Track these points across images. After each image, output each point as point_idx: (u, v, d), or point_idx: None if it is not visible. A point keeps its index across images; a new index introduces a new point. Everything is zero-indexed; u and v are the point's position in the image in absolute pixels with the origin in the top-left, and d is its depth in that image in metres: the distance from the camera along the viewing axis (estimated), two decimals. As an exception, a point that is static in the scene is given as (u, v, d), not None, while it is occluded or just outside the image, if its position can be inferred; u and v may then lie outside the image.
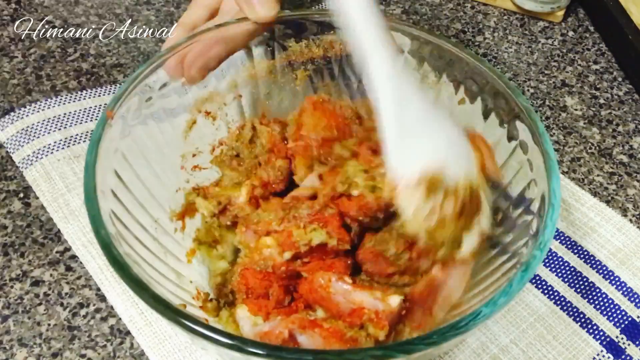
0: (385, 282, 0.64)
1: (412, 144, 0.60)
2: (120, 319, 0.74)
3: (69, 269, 0.78)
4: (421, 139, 0.60)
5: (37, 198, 0.84)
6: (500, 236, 0.66)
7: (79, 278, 0.77)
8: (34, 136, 0.89)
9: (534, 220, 0.61)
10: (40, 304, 0.75)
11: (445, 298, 0.62)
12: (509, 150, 0.68)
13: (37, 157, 0.87)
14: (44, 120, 0.91)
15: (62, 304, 0.75)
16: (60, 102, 0.94)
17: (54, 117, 0.92)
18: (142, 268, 0.58)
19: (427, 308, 0.62)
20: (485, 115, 0.71)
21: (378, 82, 0.59)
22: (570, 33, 1.16)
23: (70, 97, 0.96)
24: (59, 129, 0.91)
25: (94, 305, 0.75)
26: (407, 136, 0.59)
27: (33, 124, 0.91)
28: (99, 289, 0.76)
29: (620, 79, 1.07)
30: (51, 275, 0.78)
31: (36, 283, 0.77)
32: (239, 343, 0.48)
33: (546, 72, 1.08)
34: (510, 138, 0.68)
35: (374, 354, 0.48)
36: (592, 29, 1.17)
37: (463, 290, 0.62)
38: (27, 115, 0.92)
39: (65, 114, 0.93)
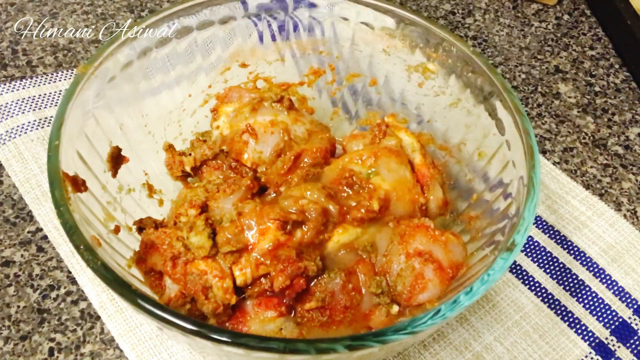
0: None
1: None
2: (91, 303, 0.72)
3: (40, 249, 0.77)
4: None
5: (10, 177, 0.83)
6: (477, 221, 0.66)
7: (50, 259, 0.76)
8: (8, 115, 0.87)
9: (512, 203, 0.60)
10: (10, 285, 0.74)
11: None
12: (486, 131, 0.68)
13: (10, 136, 0.85)
14: (18, 100, 0.90)
15: (32, 286, 0.74)
16: (35, 83, 0.92)
17: (29, 97, 0.90)
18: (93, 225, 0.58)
19: None
20: (461, 92, 0.71)
21: None
22: (566, 17, 1.14)
23: (46, 78, 0.94)
24: (34, 110, 0.89)
25: (64, 287, 0.74)
26: None
27: (7, 103, 0.89)
28: (69, 272, 0.75)
29: (617, 66, 1.05)
30: (22, 255, 0.76)
31: (6, 263, 0.75)
32: (200, 329, 0.48)
33: (539, 57, 1.06)
34: (486, 116, 0.68)
35: (347, 343, 0.48)
36: (588, 12, 1.15)
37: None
38: (1, 94, 0.90)
39: (40, 95, 0.91)
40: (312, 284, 0.61)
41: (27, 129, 0.86)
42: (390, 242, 0.63)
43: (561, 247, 0.79)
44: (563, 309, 0.74)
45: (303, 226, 0.60)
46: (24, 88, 0.91)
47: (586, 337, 0.72)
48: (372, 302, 0.62)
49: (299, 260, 0.59)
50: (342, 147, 0.74)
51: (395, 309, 0.62)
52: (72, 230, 0.53)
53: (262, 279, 0.59)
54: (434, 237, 0.63)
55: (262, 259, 0.59)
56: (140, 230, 0.65)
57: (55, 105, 0.90)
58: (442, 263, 0.61)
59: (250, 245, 0.59)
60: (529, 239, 0.79)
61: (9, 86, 0.91)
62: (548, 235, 0.80)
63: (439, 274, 0.61)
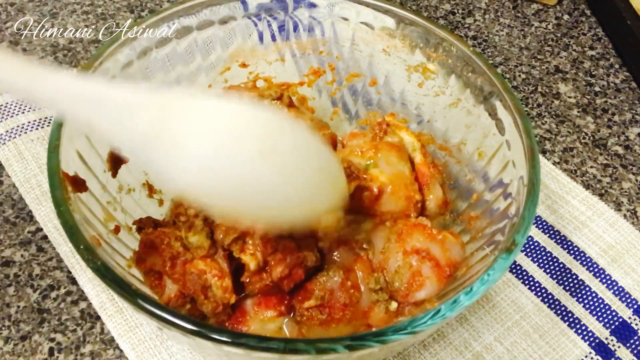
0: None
1: None
2: (91, 303, 0.72)
3: (40, 249, 0.77)
4: None
5: (10, 177, 0.82)
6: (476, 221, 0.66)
7: (50, 259, 0.76)
8: (8, 115, 0.87)
9: (512, 203, 0.60)
10: (10, 285, 0.73)
11: None
12: (486, 131, 0.68)
13: (10, 136, 0.85)
14: (18, 100, 0.89)
15: (32, 286, 0.74)
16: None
17: (29, 97, 0.90)
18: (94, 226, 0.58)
19: None
20: (461, 92, 0.71)
21: None
22: (565, 16, 1.13)
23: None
24: (34, 110, 0.89)
25: (64, 287, 0.74)
26: None
27: (7, 103, 0.88)
28: (69, 272, 0.75)
29: (617, 66, 1.04)
30: (22, 255, 0.76)
31: (6, 263, 0.75)
32: (199, 328, 0.48)
33: (539, 57, 1.05)
34: (486, 117, 0.67)
35: (347, 343, 0.48)
36: (588, 12, 1.14)
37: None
38: (1, 94, 0.89)
39: (40, 94, 0.90)
40: (310, 281, 0.61)
41: (27, 129, 0.86)
42: (387, 241, 0.63)
43: (561, 247, 0.79)
44: (563, 309, 0.74)
45: None
46: (23, 87, 0.91)
47: (586, 337, 0.72)
48: (370, 299, 0.62)
49: (298, 250, 0.59)
50: (342, 145, 0.74)
51: (393, 305, 0.62)
52: (72, 230, 0.53)
53: (264, 274, 0.59)
54: (431, 236, 0.62)
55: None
56: (139, 230, 0.65)
57: (56, 105, 0.90)
58: (440, 261, 0.61)
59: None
60: (529, 239, 0.79)
61: (9, 86, 0.90)
62: (548, 235, 0.80)
63: (436, 271, 0.61)
